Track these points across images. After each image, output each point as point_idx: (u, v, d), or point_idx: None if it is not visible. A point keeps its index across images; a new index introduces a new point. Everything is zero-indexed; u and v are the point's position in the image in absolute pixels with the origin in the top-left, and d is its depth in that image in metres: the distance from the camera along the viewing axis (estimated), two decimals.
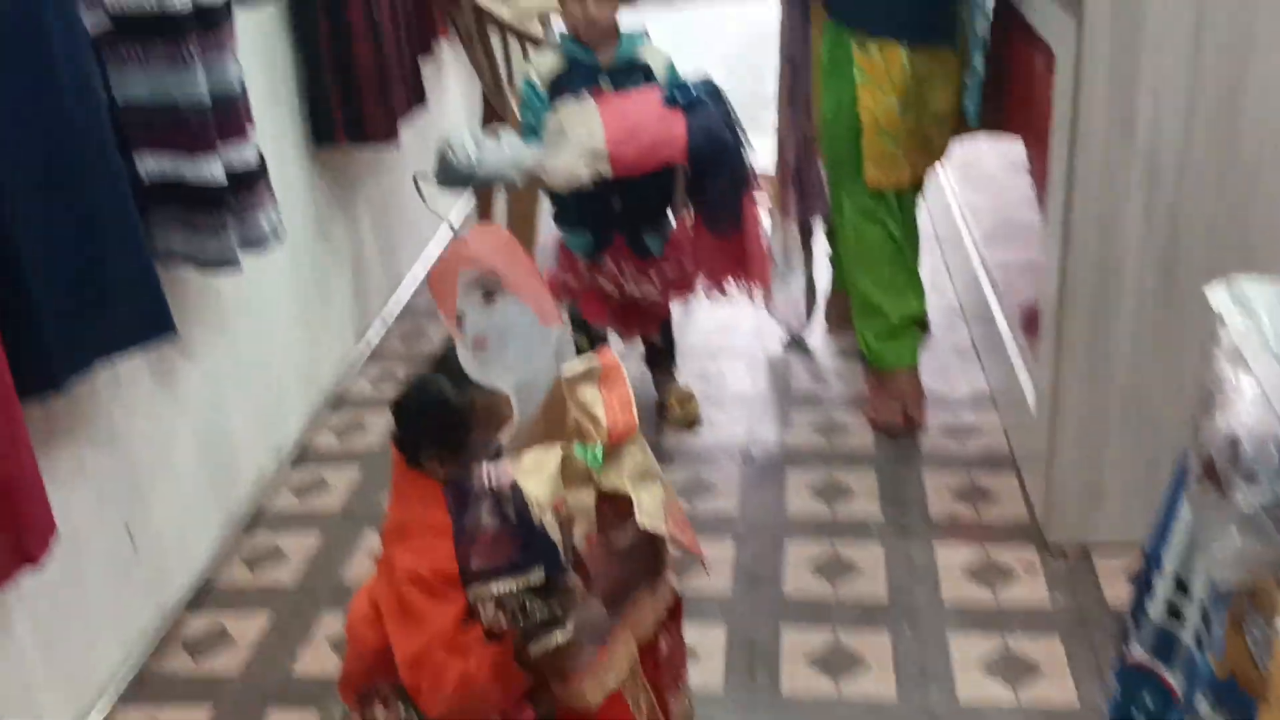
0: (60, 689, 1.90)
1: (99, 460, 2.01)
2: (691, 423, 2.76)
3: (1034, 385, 2.37)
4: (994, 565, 2.21)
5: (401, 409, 1.47)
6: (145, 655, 2.11)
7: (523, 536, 1.31)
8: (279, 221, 2.21)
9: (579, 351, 2.73)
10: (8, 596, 1.68)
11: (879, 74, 2.58)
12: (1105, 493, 2.19)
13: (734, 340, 3.16)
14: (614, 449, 1.36)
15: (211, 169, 1.96)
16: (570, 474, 1.34)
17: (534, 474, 1.32)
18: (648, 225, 2.58)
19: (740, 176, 2.48)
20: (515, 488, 1.31)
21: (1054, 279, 2.12)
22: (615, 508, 1.39)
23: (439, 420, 1.43)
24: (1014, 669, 1.94)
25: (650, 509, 1.37)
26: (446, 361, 1.46)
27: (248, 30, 2.25)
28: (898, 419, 2.68)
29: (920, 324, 2.88)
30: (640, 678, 1.50)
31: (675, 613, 1.57)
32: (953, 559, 2.23)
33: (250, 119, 2.09)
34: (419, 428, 1.45)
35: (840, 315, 3.13)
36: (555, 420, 1.36)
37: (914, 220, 2.77)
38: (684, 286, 2.64)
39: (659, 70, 2.53)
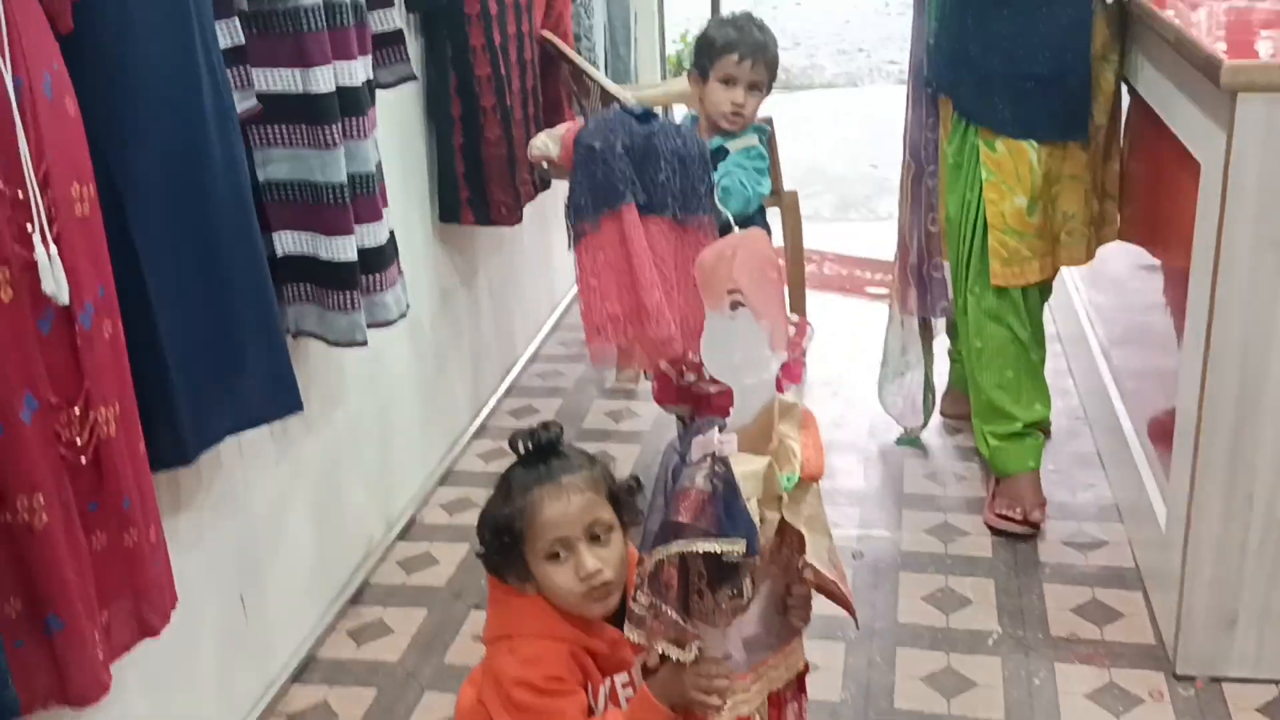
0: None
1: (218, 528, 2.03)
2: None
3: (1165, 501, 2.28)
4: (1118, 689, 2.11)
5: (478, 529, 1.58)
6: None
7: (731, 508, 1.32)
8: (406, 299, 2.24)
9: None
10: (119, 663, 1.69)
11: (1006, 172, 2.55)
12: (1241, 621, 2.08)
13: (847, 434, 3.11)
14: (800, 487, 1.40)
15: (346, 248, 1.99)
16: (767, 485, 1.37)
17: (743, 467, 1.35)
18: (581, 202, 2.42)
19: (596, 188, 2.24)
20: (730, 463, 1.33)
21: (1193, 393, 2.04)
22: (783, 543, 1.44)
23: (497, 544, 1.54)
24: None
25: (816, 554, 1.41)
26: (507, 481, 1.56)
27: (384, 109, 2.30)
28: (1017, 524, 2.60)
29: (1043, 428, 2.81)
30: None
31: (802, 684, 1.57)
32: (1074, 680, 2.14)
33: (385, 200, 2.13)
34: (490, 549, 1.56)
35: (959, 414, 3.07)
36: (761, 438, 1.39)
37: (1040, 321, 2.71)
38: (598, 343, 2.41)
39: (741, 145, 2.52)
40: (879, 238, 4.05)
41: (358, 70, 2.03)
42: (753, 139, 2.53)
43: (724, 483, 1.32)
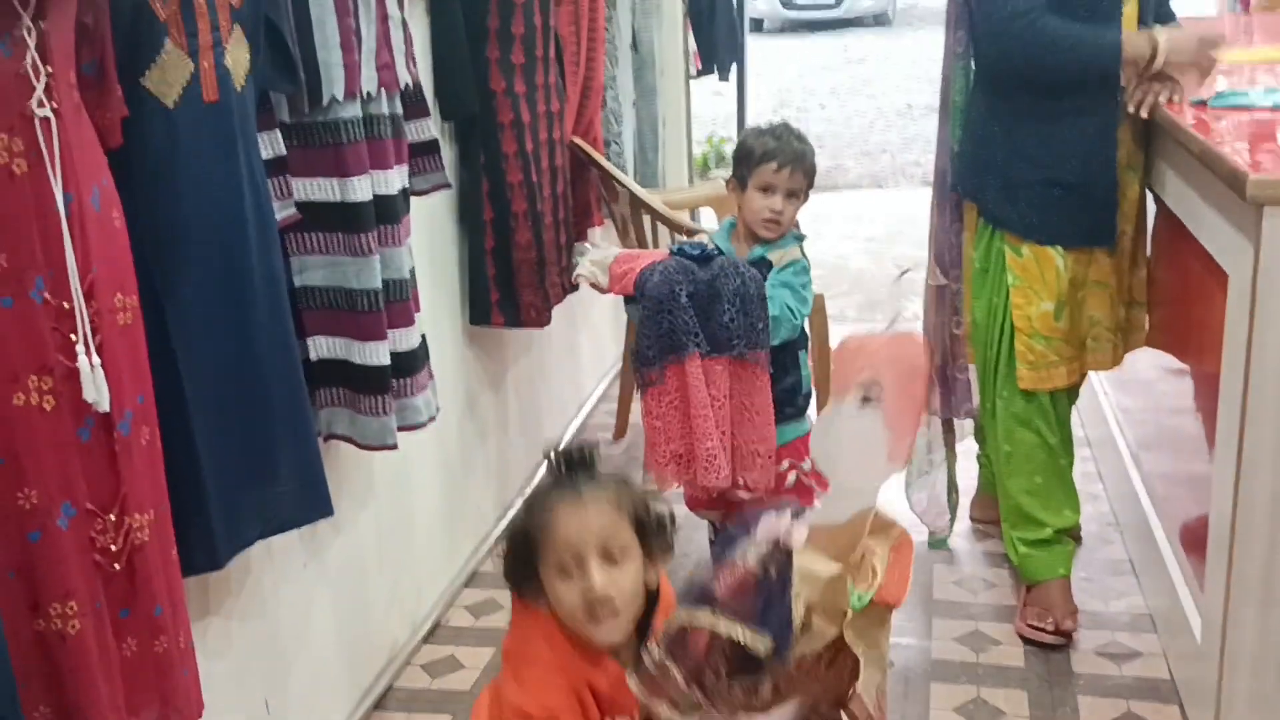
0: None
1: (245, 631, 2.03)
2: None
3: (1200, 611, 2.25)
4: None
5: (503, 540, 1.60)
6: None
7: (772, 602, 1.27)
8: (435, 403, 2.26)
9: None
10: None
11: (1033, 277, 2.56)
12: None
13: None
14: (871, 611, 1.32)
15: (379, 353, 2.02)
16: (832, 595, 1.29)
17: (809, 564, 1.29)
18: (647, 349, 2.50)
19: (662, 337, 2.36)
20: (790, 555, 1.28)
21: (1226, 502, 2.02)
22: (835, 661, 1.36)
23: (515, 555, 1.53)
24: None
25: (867, 689, 1.35)
26: (534, 494, 1.57)
27: (418, 214, 2.34)
28: (1049, 632, 2.57)
29: (1073, 534, 2.78)
30: None
31: None
32: None
33: (418, 305, 2.16)
34: (508, 560, 1.55)
35: (988, 518, 3.05)
36: (845, 546, 1.32)
37: (1068, 426, 2.70)
38: (660, 477, 2.45)
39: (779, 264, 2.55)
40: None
41: (394, 180, 2.07)
42: (794, 249, 2.56)
43: (776, 573, 1.27)
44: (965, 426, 3.02)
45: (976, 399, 2.85)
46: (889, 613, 1.35)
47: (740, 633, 1.26)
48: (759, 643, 1.26)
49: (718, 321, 2.36)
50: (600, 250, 2.63)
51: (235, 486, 1.70)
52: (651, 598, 1.56)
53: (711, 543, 2.73)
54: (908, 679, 2.48)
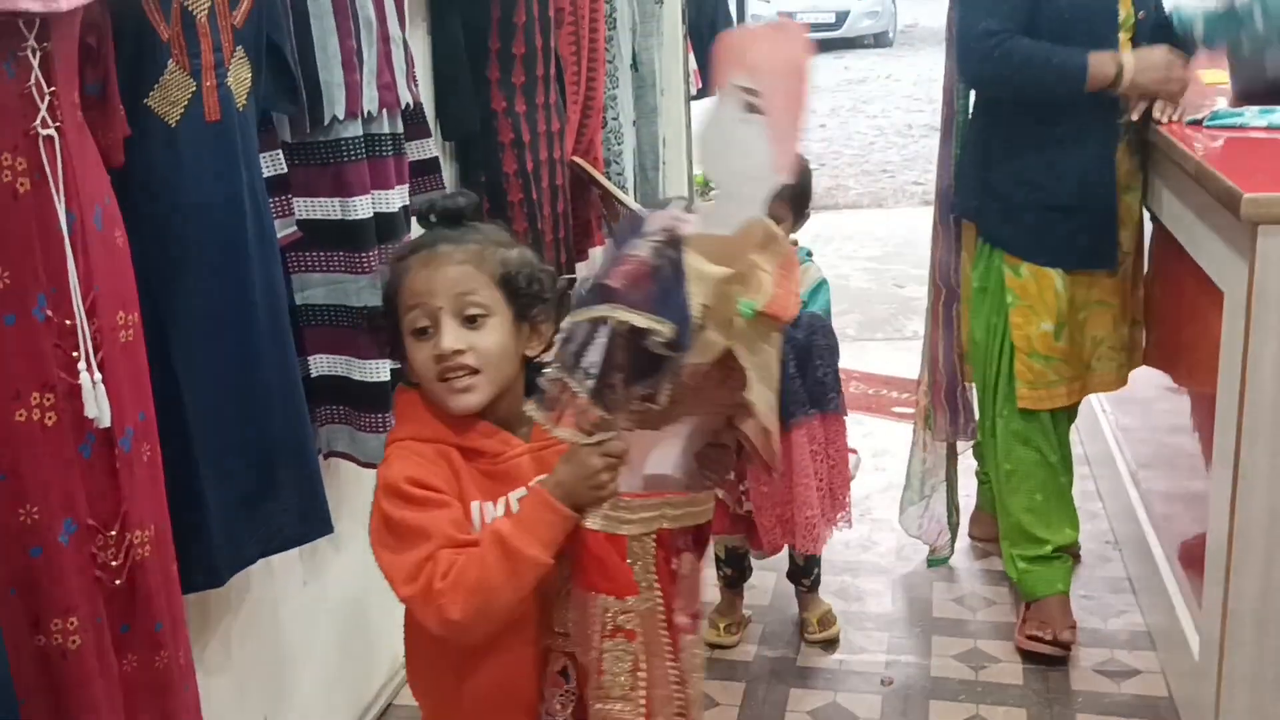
0: None
1: (245, 649, 2.03)
2: (830, 643, 2.68)
3: (1198, 629, 2.25)
4: None
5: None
6: None
7: (670, 291, 1.19)
8: None
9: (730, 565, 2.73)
10: None
11: (1032, 297, 2.57)
12: None
13: (874, 557, 3.09)
14: (759, 323, 1.28)
15: (379, 370, 2.03)
16: (721, 300, 1.23)
17: (699, 264, 1.21)
18: None
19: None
20: (683, 246, 1.21)
21: (1223, 520, 2.03)
22: (725, 381, 1.31)
23: (378, 317, 1.47)
24: None
25: (760, 403, 1.31)
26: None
27: (419, 233, 2.35)
28: (1048, 645, 2.57)
29: (1072, 552, 2.79)
30: (651, 570, 1.36)
31: (701, 539, 1.44)
32: None
33: None
34: (372, 322, 1.55)
35: (987, 536, 3.05)
36: (732, 255, 1.25)
37: (1068, 444, 2.71)
38: (769, 539, 2.54)
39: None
40: (904, 357, 4.07)
41: (395, 198, 2.09)
42: (811, 267, 2.57)
43: (671, 263, 1.20)
44: (965, 447, 3.03)
45: (975, 417, 2.86)
46: (778, 330, 1.32)
47: (640, 319, 1.18)
48: (661, 325, 1.18)
49: (813, 379, 2.43)
50: None
51: (235, 504, 1.71)
52: (538, 372, 1.43)
53: (789, 575, 2.78)
54: (907, 696, 2.48)
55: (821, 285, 2.56)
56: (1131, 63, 2.41)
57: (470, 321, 1.39)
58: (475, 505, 1.39)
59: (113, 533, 1.46)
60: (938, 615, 2.80)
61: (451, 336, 1.37)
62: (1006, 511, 2.72)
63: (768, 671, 2.59)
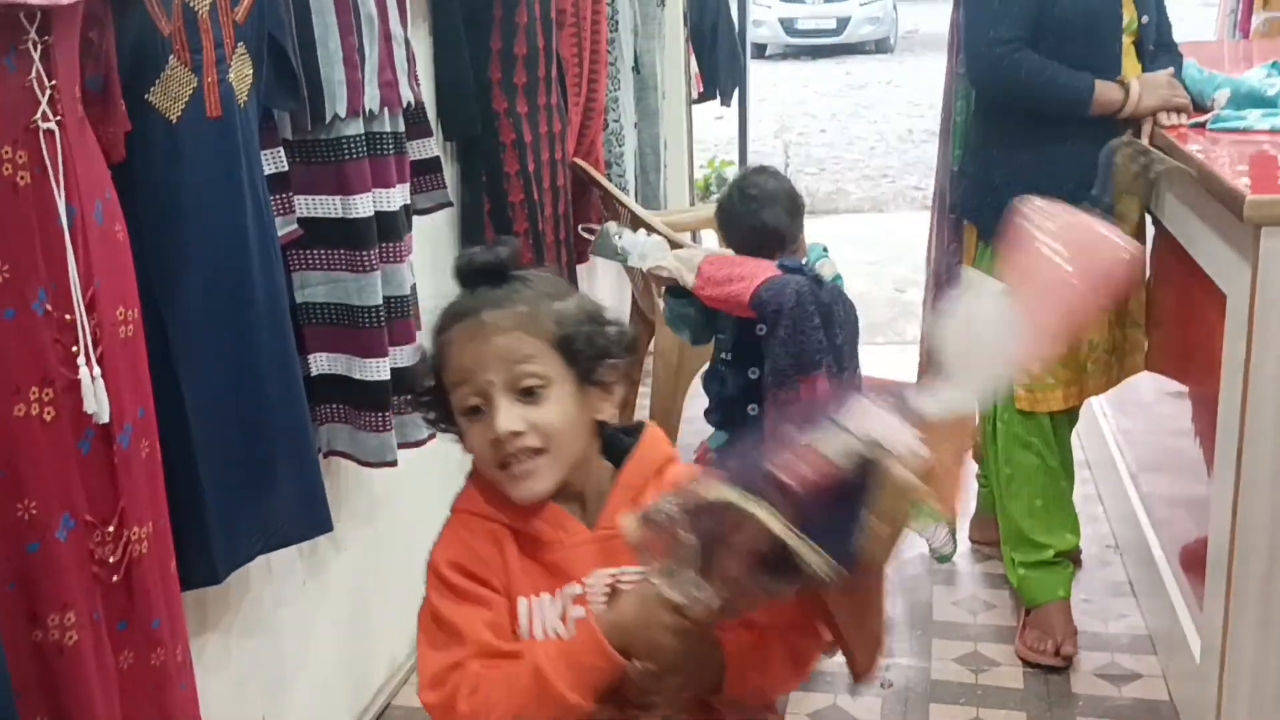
0: None
1: (244, 648, 2.03)
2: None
3: (1199, 632, 2.24)
4: None
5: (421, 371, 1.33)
6: None
7: (848, 513, 0.99)
8: None
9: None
10: None
11: None
12: None
13: None
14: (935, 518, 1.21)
15: (379, 369, 2.02)
16: (905, 516, 1.03)
17: (902, 476, 1.00)
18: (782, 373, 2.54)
19: (794, 356, 2.38)
20: (886, 462, 0.99)
21: (1225, 523, 2.03)
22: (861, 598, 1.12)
23: (426, 392, 1.27)
24: None
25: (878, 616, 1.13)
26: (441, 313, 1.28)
27: (420, 232, 2.35)
28: (1049, 655, 2.56)
29: (1073, 557, 2.78)
30: None
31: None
32: None
33: (419, 323, 2.16)
34: (419, 397, 1.30)
35: (987, 539, 3.04)
36: (933, 444, 1.04)
37: (1068, 448, 2.71)
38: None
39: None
40: (904, 361, 4.06)
41: (396, 197, 2.08)
42: (826, 262, 2.57)
43: (865, 480, 0.99)
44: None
45: (975, 421, 2.85)
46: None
47: (797, 542, 0.97)
48: (816, 560, 0.98)
49: (833, 344, 2.42)
50: (688, 249, 2.64)
51: (235, 501, 1.71)
52: (616, 440, 1.28)
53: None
54: (907, 699, 2.47)
55: (839, 278, 2.57)
56: (1137, 89, 2.43)
57: (528, 395, 1.19)
58: (524, 603, 1.21)
59: (110, 529, 1.45)
60: (938, 618, 2.79)
61: (507, 416, 1.18)
62: (1006, 515, 2.71)
63: None
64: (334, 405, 2.06)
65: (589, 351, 1.21)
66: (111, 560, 1.46)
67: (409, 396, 1.35)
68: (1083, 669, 2.55)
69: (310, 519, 1.86)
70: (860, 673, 1.17)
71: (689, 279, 2.44)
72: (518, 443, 1.18)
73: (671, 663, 1.12)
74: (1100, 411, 3.39)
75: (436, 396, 1.25)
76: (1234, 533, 1.99)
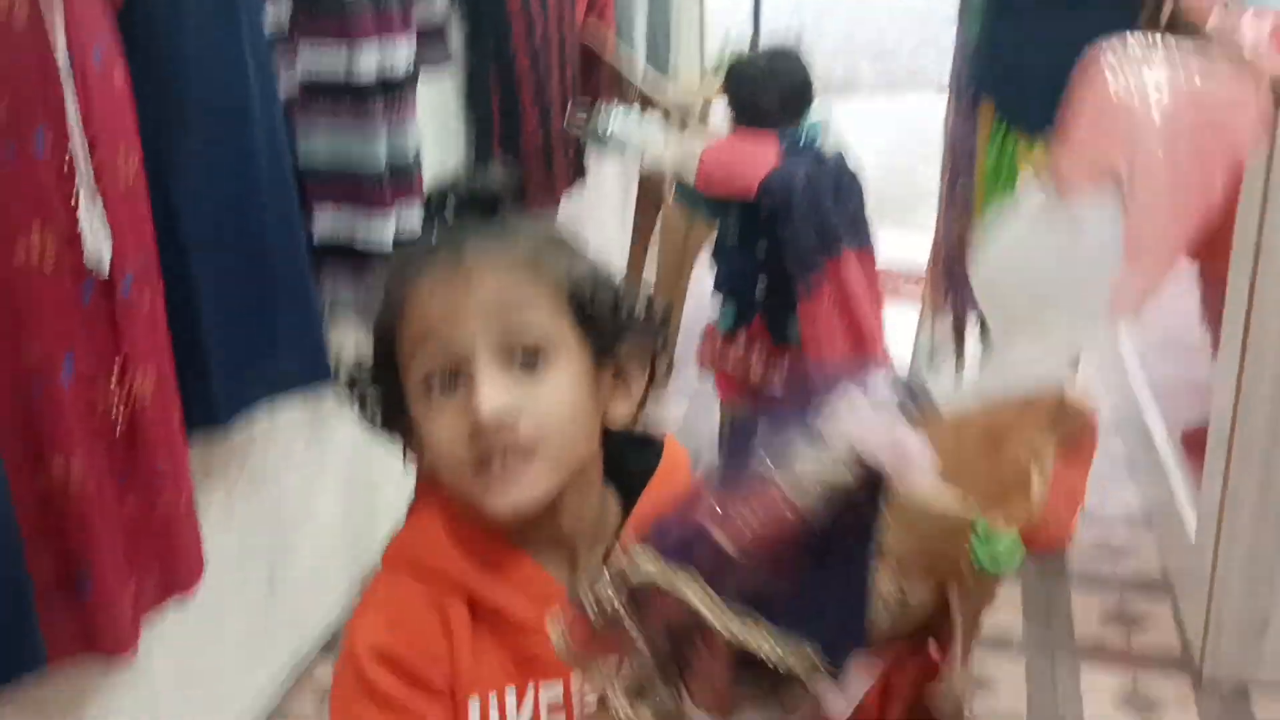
0: None
1: (248, 504, 2.05)
2: None
3: (1196, 509, 2.26)
4: (1143, 695, 2.10)
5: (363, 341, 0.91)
6: (278, 698, 2.14)
7: (833, 575, 0.65)
8: None
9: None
10: (148, 637, 1.71)
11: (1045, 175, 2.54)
12: (1270, 629, 2.07)
13: None
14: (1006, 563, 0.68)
15: (383, 228, 2.01)
16: (945, 546, 0.68)
17: (926, 496, 0.67)
18: (791, 310, 2.55)
19: (817, 236, 2.42)
20: (882, 486, 0.65)
21: (1227, 399, 2.03)
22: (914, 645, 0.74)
23: (368, 370, 0.89)
24: None
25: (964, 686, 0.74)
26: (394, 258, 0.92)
27: (424, 99, 2.31)
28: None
29: None
30: None
31: None
32: (1099, 684, 2.13)
33: (422, 187, 2.14)
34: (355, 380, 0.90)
35: None
36: (988, 445, 0.72)
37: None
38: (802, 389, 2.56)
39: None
40: (915, 244, 4.03)
41: (401, 51, 2.04)
42: (828, 135, 2.57)
43: (851, 522, 0.65)
44: (973, 324, 3.02)
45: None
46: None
47: (757, 641, 0.64)
48: (794, 658, 0.64)
49: (847, 212, 2.45)
50: (688, 137, 2.62)
51: (236, 346, 1.70)
52: (623, 452, 0.91)
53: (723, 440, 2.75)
54: None
55: (840, 149, 2.56)
56: None
57: (525, 363, 0.83)
58: (474, 704, 0.86)
59: (113, 377, 1.46)
60: None
61: (494, 391, 0.81)
62: None
63: None
64: (338, 262, 2.04)
65: (609, 321, 0.87)
66: (115, 408, 1.47)
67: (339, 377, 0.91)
68: (1077, 544, 2.58)
69: (311, 367, 1.86)
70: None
71: (690, 177, 2.43)
72: (505, 428, 0.81)
73: None
74: None
75: (380, 373, 0.87)
76: (1236, 409, 1.99)
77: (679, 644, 0.67)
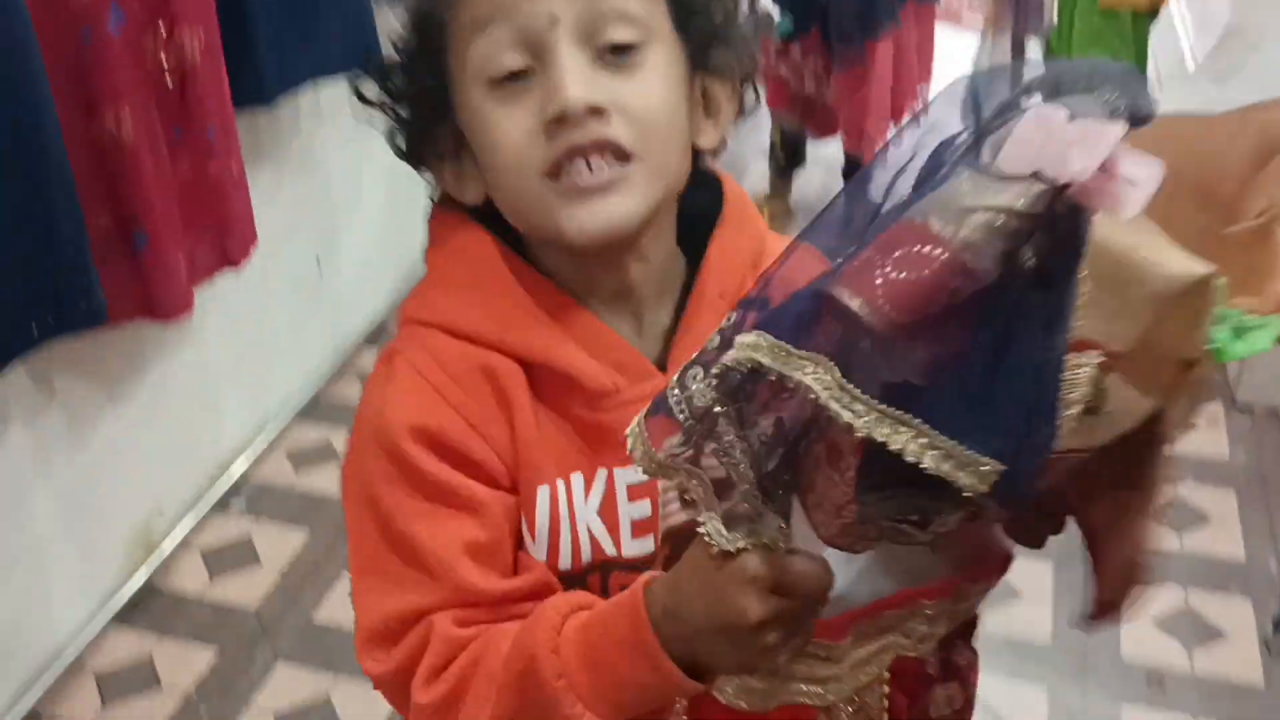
0: (244, 399, 2.00)
1: (297, 184, 2.05)
2: None
3: None
4: None
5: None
6: (322, 381, 2.20)
7: (1018, 330, 0.45)
8: None
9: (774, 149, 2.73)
10: (202, 306, 1.74)
11: None
12: None
13: None
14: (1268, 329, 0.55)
15: None
16: (1179, 319, 0.52)
17: (1142, 242, 0.51)
18: (848, 25, 2.47)
19: (866, 16, 2.38)
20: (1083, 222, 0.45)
21: None
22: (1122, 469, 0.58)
23: (406, 71, 0.72)
24: (1183, 518, 1.88)
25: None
26: None
27: None
28: None
29: None
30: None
31: (962, 642, 0.71)
32: None
33: None
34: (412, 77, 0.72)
35: None
36: (1221, 171, 0.59)
37: (1145, 49, 2.60)
38: (854, 110, 2.49)
39: None
40: None
41: None
42: None
43: (1045, 285, 0.45)
44: (1034, 49, 2.92)
45: (1049, 18, 2.73)
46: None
47: (913, 446, 0.45)
48: (965, 472, 0.45)
49: None
50: None
51: (283, 26, 1.67)
52: (704, 186, 0.75)
53: (844, 174, 2.74)
54: None
55: None
56: None
57: (615, 54, 0.66)
58: (543, 493, 0.70)
59: (162, 29, 1.43)
60: None
61: (581, 78, 0.65)
62: None
63: None
64: None
65: (710, 12, 0.71)
66: (165, 63, 1.45)
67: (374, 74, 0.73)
68: None
69: (360, 47, 1.82)
70: (1101, 605, 0.63)
71: None
72: (595, 125, 0.65)
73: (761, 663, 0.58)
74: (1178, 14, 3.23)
75: (423, 64, 0.70)
76: None
77: (795, 457, 0.51)
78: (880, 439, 0.45)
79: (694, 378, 0.51)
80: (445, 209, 0.73)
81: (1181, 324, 0.51)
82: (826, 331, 0.46)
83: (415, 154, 0.73)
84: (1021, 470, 0.46)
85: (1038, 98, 0.45)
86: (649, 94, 0.67)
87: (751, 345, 0.48)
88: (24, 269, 1.30)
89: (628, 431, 0.54)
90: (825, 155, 2.79)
